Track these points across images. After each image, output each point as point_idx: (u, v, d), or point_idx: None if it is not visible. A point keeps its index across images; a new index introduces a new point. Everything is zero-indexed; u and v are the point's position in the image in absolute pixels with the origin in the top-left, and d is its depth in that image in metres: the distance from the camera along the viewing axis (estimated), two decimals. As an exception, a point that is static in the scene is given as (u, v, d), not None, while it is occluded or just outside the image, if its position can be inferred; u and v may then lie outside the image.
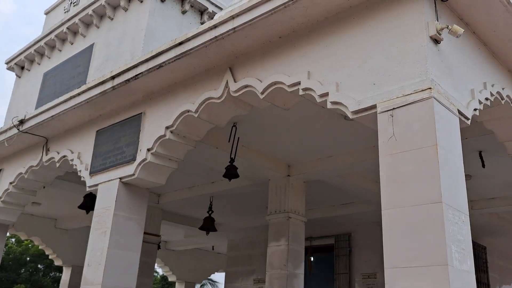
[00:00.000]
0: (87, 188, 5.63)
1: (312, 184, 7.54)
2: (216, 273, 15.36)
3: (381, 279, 9.11)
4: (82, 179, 5.78)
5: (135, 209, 5.29)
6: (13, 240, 29.91)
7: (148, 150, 5.02)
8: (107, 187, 5.30)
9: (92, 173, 5.60)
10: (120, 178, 5.22)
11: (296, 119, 5.73)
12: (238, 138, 5.91)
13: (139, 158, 5.08)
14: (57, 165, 6.29)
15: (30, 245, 28.69)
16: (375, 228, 9.58)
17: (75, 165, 5.92)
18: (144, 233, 8.98)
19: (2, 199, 7.09)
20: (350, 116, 3.44)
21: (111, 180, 5.29)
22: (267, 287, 6.83)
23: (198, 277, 15.07)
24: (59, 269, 31.79)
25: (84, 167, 5.76)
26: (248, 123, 5.74)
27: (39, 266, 30.66)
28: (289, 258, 6.81)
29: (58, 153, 6.29)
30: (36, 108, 7.16)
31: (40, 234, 11.29)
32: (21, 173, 6.87)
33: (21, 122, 6.47)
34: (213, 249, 14.27)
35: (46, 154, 6.52)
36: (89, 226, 11.75)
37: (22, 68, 8.47)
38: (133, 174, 5.09)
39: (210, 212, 8.46)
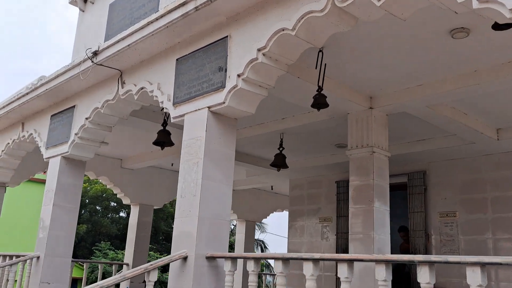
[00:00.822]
0: (171, 119, 5.39)
1: (391, 118, 7.08)
2: (275, 212, 15.31)
3: (462, 217, 8.72)
4: (165, 110, 5.54)
5: (225, 139, 5.02)
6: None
7: (239, 76, 4.67)
8: (195, 117, 5.03)
9: (176, 103, 5.33)
10: (209, 107, 4.93)
11: (383, 41, 5.22)
12: (325, 64, 5.47)
13: (228, 85, 4.74)
14: (135, 97, 6.06)
15: (88, 188, 29.81)
16: (453, 165, 9.12)
17: (156, 96, 5.66)
18: None
19: (78, 135, 7.00)
20: (508, 15, 2.90)
21: (199, 109, 5.01)
22: (352, 221, 6.56)
23: (258, 217, 15.11)
24: (116, 210, 32.99)
25: (166, 98, 5.50)
26: (327, 50, 5.28)
27: (97, 207, 31.92)
28: (375, 194, 6.49)
29: (135, 85, 6.04)
30: (105, 40, 6.89)
31: (108, 173, 11.41)
32: (97, 108, 6.70)
33: (95, 54, 6.23)
34: (272, 189, 14.23)
35: (122, 87, 6.30)
36: (153, 166, 12.00)
37: (85, 1, 8.19)
38: (223, 102, 4.78)
39: (281, 148, 8.16)
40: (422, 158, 9.32)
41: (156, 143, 7.33)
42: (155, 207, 12.73)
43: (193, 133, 5.00)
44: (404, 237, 9.83)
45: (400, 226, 9.78)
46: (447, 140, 8.23)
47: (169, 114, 7.13)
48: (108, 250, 27.62)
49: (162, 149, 7.45)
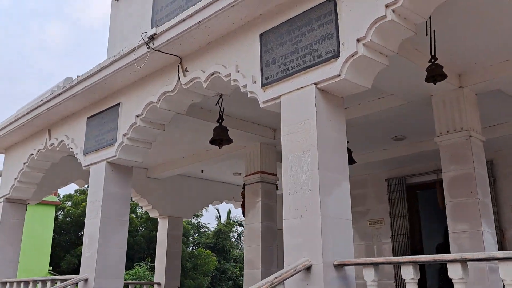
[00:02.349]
0: (261, 104, 4.51)
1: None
2: (211, 205, 13.16)
3: (540, 208, 7.92)
4: (250, 95, 4.66)
5: (336, 123, 4.17)
6: (69, 203, 29.83)
7: (358, 40, 3.84)
8: (297, 97, 4.17)
9: (267, 84, 4.47)
10: (316, 84, 4.08)
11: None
12: (434, 30, 4.67)
13: (345, 53, 3.90)
14: (204, 85, 5.18)
15: (72, 210, 28.50)
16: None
17: (235, 80, 4.79)
18: (261, 172, 8.19)
19: (128, 136, 6.10)
20: None
21: (302, 87, 4.16)
22: (451, 217, 5.72)
23: (186, 211, 11.78)
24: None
25: (250, 80, 4.64)
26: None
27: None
28: (477, 184, 5.66)
29: (203, 71, 5.18)
30: (152, 27, 6.02)
31: (134, 184, 10.41)
32: (151, 103, 5.81)
33: (152, 38, 5.35)
34: (202, 172, 11.21)
35: (185, 76, 5.42)
36: (181, 174, 11.04)
37: (119, -10, 7.34)
38: (338, 75, 3.93)
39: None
40: (487, 147, 8.53)
41: (212, 141, 6.46)
42: (184, 219, 11.76)
43: (297, 117, 4.14)
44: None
45: None
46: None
47: (223, 108, 6.38)
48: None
49: (220, 147, 6.57)
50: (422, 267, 8.95)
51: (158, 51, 5.39)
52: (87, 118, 6.96)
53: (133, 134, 6.09)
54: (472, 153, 5.75)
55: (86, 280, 6.05)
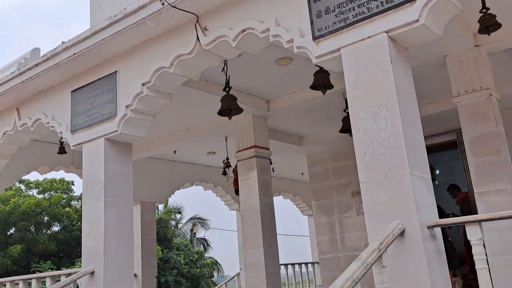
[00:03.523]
0: (325, 55, 4.06)
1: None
2: (182, 188, 11.75)
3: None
4: (297, 50, 4.20)
5: (405, 74, 3.85)
6: (-3, 200, 27.52)
7: None
8: (363, 48, 3.78)
9: (320, 37, 4.04)
10: (387, 32, 3.72)
11: None
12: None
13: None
14: (233, 44, 4.64)
15: (20, 202, 26.56)
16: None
17: (277, 35, 4.30)
18: (256, 146, 7.77)
19: (132, 107, 5.41)
20: None
21: (367, 38, 3.77)
22: (475, 176, 5.64)
23: (158, 196, 11.12)
24: (49, 225, 29.70)
25: (298, 34, 4.18)
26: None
27: (30, 224, 28.56)
28: (502, 142, 5.62)
29: (231, 29, 4.64)
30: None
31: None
32: (161, 68, 5.17)
33: (166, -8, 4.72)
34: (174, 153, 10.40)
35: (205, 35, 4.85)
36: (152, 157, 10.30)
37: None
38: (416, 21, 3.59)
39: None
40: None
41: (221, 112, 5.93)
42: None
43: (367, 70, 3.77)
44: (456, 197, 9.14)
45: (449, 185, 9.04)
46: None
47: (229, 76, 5.86)
48: (49, 270, 24.70)
49: (229, 118, 6.04)
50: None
51: (174, 7, 4.76)
52: (72, 92, 6.15)
53: (138, 105, 5.42)
54: (493, 112, 5.69)
55: (92, 273, 5.35)
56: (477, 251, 3.29)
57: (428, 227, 3.44)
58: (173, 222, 34.60)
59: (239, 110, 5.97)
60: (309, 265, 12.34)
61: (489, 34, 4.56)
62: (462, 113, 5.87)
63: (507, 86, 7.23)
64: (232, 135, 8.67)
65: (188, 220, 37.21)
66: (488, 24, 4.38)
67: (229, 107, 5.89)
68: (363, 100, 3.76)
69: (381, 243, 3.12)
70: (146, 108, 5.49)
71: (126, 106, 5.43)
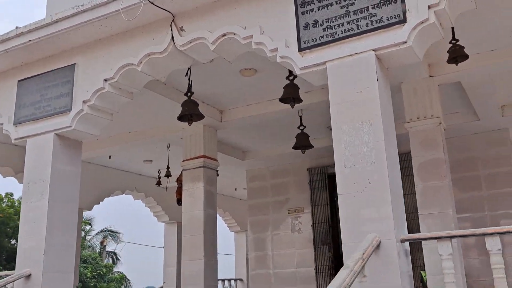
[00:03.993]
0: (309, 68, 4.09)
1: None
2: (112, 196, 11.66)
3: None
4: (281, 60, 4.20)
5: (387, 92, 3.96)
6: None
7: (429, 7, 3.70)
8: (350, 63, 3.85)
9: (306, 49, 4.07)
10: (374, 50, 3.83)
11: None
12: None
13: (413, 20, 3.72)
14: (212, 47, 4.54)
15: None
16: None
17: (260, 43, 4.27)
18: (204, 156, 7.64)
19: (91, 103, 5.10)
20: None
21: (355, 54, 3.85)
22: (421, 199, 5.92)
23: (87, 203, 10.50)
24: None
25: (283, 44, 4.18)
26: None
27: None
28: (447, 169, 5.96)
29: (211, 32, 4.55)
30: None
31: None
32: (129, 65, 4.94)
33: (144, -13, 4.55)
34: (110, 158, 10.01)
35: (181, 35, 4.72)
36: (83, 160, 9.77)
37: None
38: (404, 42, 3.73)
39: (302, 127, 7.12)
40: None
41: (181, 117, 5.78)
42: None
43: (353, 85, 3.85)
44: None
45: None
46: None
47: (191, 81, 5.75)
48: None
49: (189, 124, 5.90)
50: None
51: (152, 3, 4.60)
52: (19, 81, 5.70)
53: (97, 101, 5.12)
54: (442, 139, 6.04)
55: (29, 276, 4.91)
56: (446, 266, 3.43)
57: (402, 241, 3.54)
58: (82, 233, 32.95)
59: (200, 117, 5.86)
60: (238, 281, 12.29)
61: (456, 64, 4.84)
62: (413, 138, 6.17)
63: (452, 117, 7.74)
64: (175, 144, 8.46)
65: (98, 232, 35.58)
66: (457, 54, 4.66)
67: (191, 113, 5.76)
68: (346, 114, 3.82)
69: (363, 253, 3.16)
70: (105, 105, 5.21)
71: (84, 101, 5.12)
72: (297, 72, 4.13)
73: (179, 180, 7.96)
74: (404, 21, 3.75)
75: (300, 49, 4.10)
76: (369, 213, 3.56)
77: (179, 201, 7.90)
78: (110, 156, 9.72)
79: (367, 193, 3.60)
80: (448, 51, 4.71)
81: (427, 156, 6.03)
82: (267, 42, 4.25)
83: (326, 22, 4.05)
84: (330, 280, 9.12)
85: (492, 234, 3.32)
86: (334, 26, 4.00)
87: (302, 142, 7.04)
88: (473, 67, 5.89)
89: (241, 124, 7.66)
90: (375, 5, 3.87)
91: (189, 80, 5.71)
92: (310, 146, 7.15)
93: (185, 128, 7.53)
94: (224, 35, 4.49)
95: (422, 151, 6.07)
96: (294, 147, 7.15)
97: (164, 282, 11.66)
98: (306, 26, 4.13)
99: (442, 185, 5.88)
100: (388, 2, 3.83)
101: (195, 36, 4.63)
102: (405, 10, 3.76)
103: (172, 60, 4.87)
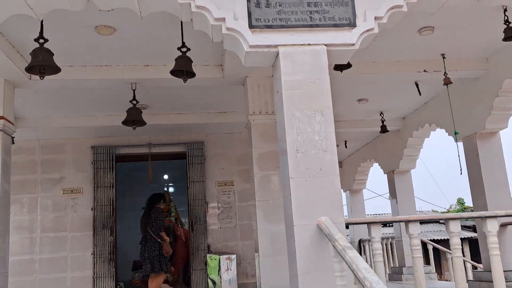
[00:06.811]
0: (260, 47, 3.93)
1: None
2: None
3: (238, 186, 9.56)
4: (226, 31, 3.92)
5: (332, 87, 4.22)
6: None
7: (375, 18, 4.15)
8: (303, 52, 3.94)
9: (256, 27, 3.94)
10: (326, 45, 4.04)
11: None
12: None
13: (362, 26, 4.10)
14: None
15: None
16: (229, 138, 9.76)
17: (202, 7, 3.90)
18: (4, 118, 6.29)
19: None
20: None
21: (308, 45, 3.97)
22: (258, 187, 6.34)
23: None
24: None
25: (231, 16, 3.92)
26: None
27: None
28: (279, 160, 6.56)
29: (140, -23, 3.89)
30: None
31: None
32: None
33: None
34: None
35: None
36: None
37: None
38: (353, 45, 4.07)
39: (135, 102, 6.55)
40: (200, 130, 9.51)
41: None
42: None
43: (305, 75, 3.97)
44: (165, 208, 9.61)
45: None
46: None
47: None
48: None
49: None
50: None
51: None
52: None
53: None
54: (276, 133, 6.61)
55: None
56: (376, 247, 3.95)
57: (346, 224, 3.89)
58: None
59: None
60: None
61: (341, 72, 5.43)
62: (254, 130, 6.56)
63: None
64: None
65: None
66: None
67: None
68: (299, 101, 3.91)
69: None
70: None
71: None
72: (245, 48, 3.97)
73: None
74: (354, 25, 4.09)
75: (251, 26, 3.97)
76: (320, 197, 3.76)
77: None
78: None
79: (319, 179, 3.79)
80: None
81: (266, 148, 6.50)
82: (212, 9, 3.94)
83: (279, 5, 4.03)
84: (110, 265, 8.69)
85: (411, 221, 4.00)
86: (288, 12, 4.03)
87: (133, 117, 6.49)
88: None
89: (55, 85, 6.49)
90: (328, 3, 4.10)
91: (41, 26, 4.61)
92: (143, 123, 6.65)
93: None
94: (158, -12, 3.92)
95: (262, 143, 6.51)
96: (123, 122, 6.54)
97: None
98: (258, 4, 4.02)
99: (276, 175, 6.45)
100: (340, 3, 4.11)
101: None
102: (355, 15, 4.12)
103: None
